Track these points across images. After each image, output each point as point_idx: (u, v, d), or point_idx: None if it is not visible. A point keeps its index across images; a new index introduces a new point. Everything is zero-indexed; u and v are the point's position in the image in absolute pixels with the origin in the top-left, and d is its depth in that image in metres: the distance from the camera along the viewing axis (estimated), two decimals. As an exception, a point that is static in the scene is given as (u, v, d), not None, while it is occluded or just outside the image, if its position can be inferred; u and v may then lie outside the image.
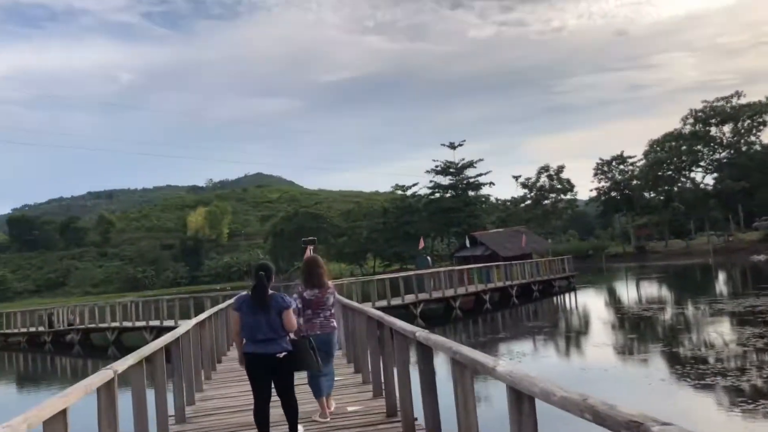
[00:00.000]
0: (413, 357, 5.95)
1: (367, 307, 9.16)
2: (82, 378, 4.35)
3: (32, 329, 34.16)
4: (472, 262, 39.26)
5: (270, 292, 5.78)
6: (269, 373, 5.67)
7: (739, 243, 68.43)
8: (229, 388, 9.38)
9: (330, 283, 7.33)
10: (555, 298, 36.58)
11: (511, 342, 21.60)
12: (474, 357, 3.58)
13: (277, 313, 5.66)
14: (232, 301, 16.84)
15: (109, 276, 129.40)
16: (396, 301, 26.92)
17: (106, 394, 4.34)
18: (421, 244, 52.87)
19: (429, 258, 76.83)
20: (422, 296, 28.25)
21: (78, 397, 3.62)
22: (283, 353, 5.66)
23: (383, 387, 7.53)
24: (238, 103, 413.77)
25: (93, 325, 31.54)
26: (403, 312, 26.50)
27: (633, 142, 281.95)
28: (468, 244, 45.82)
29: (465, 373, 3.94)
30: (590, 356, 17.78)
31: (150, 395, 5.93)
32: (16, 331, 35.08)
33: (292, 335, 5.94)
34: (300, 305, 6.96)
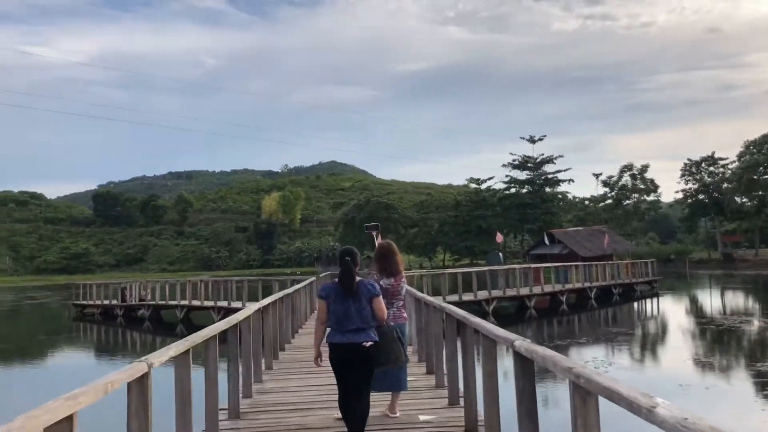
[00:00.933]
0: (501, 365, 5.03)
1: (446, 304, 8.24)
2: (150, 353, 3.75)
3: (106, 302, 34.88)
4: (549, 260, 37.61)
5: (357, 278, 5.49)
6: (354, 364, 5.39)
7: (840, 256, 63.63)
8: (291, 381, 8.66)
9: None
10: (636, 303, 34.56)
11: (589, 347, 20.20)
12: (610, 386, 2.60)
13: (368, 300, 5.42)
14: (299, 284, 16.42)
15: (185, 254, 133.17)
16: (468, 297, 25.85)
17: (138, 391, 3.60)
18: (499, 239, 51.37)
19: (501, 254, 75.26)
20: (496, 293, 27.05)
21: (92, 400, 2.85)
22: (370, 342, 5.37)
23: (461, 396, 6.61)
24: (316, 90, 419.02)
25: (163, 302, 31.85)
26: (475, 308, 25.46)
27: (722, 144, 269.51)
28: (547, 242, 43.97)
29: (589, 402, 2.97)
30: (682, 370, 16.26)
31: (198, 386, 5.23)
32: (91, 303, 35.93)
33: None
34: None
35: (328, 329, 5.62)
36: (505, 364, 9.74)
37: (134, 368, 3.48)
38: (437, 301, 8.30)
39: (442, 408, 6.74)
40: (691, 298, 38.58)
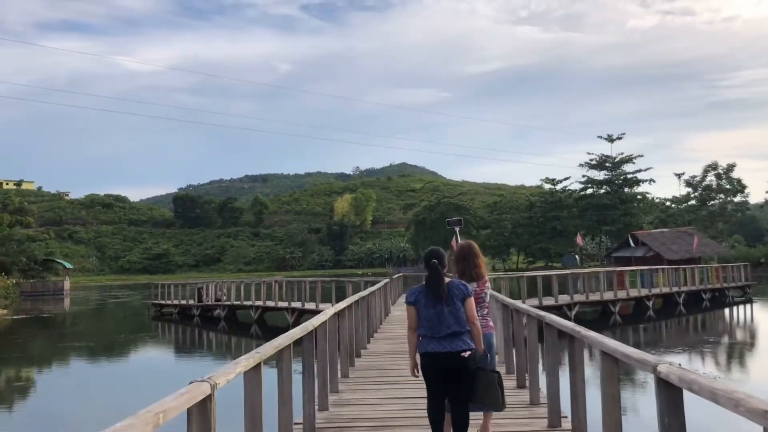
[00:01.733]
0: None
1: (546, 313, 7.44)
2: (225, 353, 3.17)
3: (183, 302, 35.39)
4: (633, 263, 35.73)
5: (446, 279, 5.08)
6: (450, 374, 4.96)
7: None
8: (369, 392, 8.04)
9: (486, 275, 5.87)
10: (728, 310, 32.39)
11: (680, 356, 18.77)
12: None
13: (461, 301, 5.01)
14: (373, 286, 15.88)
15: (260, 255, 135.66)
16: (548, 301, 24.64)
17: (200, 417, 3.03)
18: (579, 241, 49.49)
19: (577, 257, 72.85)
20: (578, 298, 25.71)
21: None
22: (468, 352, 4.94)
23: (564, 416, 5.82)
24: (387, 93, 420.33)
25: (238, 302, 31.98)
26: (555, 313, 24.19)
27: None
28: (632, 244, 41.83)
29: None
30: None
31: (268, 398, 4.65)
32: (169, 302, 36.57)
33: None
34: None
35: (421, 337, 5.10)
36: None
37: (195, 390, 2.90)
38: (531, 308, 7.50)
39: (542, 430, 5.95)
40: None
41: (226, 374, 3.35)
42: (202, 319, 32.87)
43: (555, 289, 25.10)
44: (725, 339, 23.05)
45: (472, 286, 5.59)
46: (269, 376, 4.69)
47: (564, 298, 25.34)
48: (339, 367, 8.71)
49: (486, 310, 5.80)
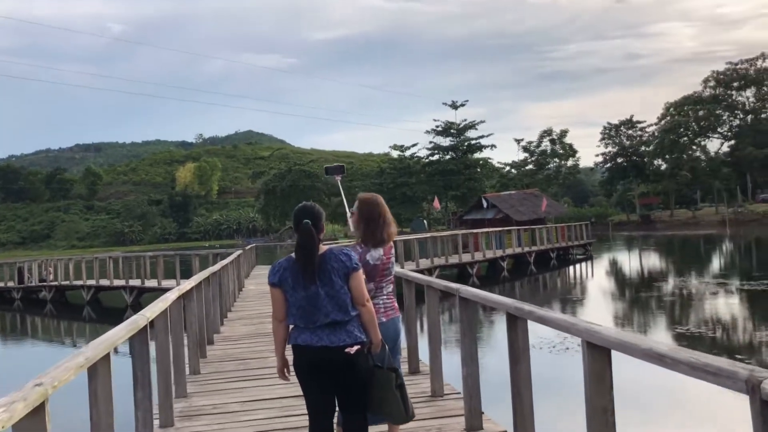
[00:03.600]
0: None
1: (429, 277, 6.17)
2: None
3: (0, 284, 30.96)
4: (486, 225, 36.21)
5: (324, 248, 3.61)
6: (333, 377, 3.56)
7: (750, 214, 65.89)
8: (227, 394, 6.35)
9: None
10: (572, 267, 33.76)
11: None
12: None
13: (343, 278, 3.54)
14: (225, 259, 14.00)
15: (95, 230, 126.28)
16: (410, 266, 23.94)
17: None
18: (436, 205, 49.94)
19: (425, 221, 74.21)
20: (438, 261, 25.25)
21: None
22: (357, 346, 3.54)
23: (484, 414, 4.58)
24: (231, 58, 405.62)
25: (67, 282, 28.35)
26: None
27: (628, 112, 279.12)
28: (485, 205, 42.41)
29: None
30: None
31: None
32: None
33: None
34: None
35: (291, 326, 3.62)
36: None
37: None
38: (435, 279, 6.18)
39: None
40: (620, 259, 38.24)
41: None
42: (24, 302, 28.87)
43: (416, 254, 24.43)
44: (570, 296, 23.69)
45: (378, 254, 4.11)
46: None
47: (425, 263, 24.76)
48: (187, 361, 6.93)
49: (392, 286, 4.35)
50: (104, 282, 26.73)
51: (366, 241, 4.16)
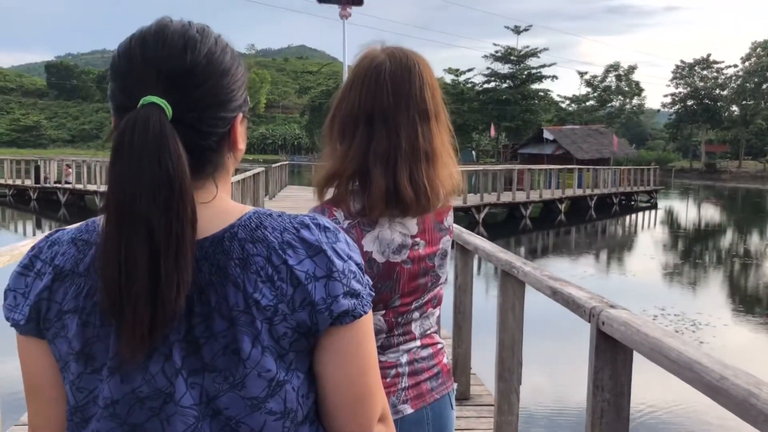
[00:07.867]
0: None
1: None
2: None
3: (18, 182, 29.42)
4: (545, 161, 33.09)
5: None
6: None
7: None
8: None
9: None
10: (636, 215, 30.67)
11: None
12: None
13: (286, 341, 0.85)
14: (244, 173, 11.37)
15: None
16: (455, 202, 21.37)
17: None
18: (492, 132, 47.04)
19: (474, 153, 70.85)
20: (488, 199, 22.48)
21: None
22: None
23: None
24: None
25: (80, 187, 26.51)
26: (462, 215, 21.12)
27: (702, 51, 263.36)
28: (546, 138, 38.82)
29: None
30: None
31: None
32: (2, 182, 30.13)
33: None
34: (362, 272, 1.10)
35: None
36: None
37: None
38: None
39: None
40: (686, 211, 34.88)
41: None
42: (40, 203, 27.31)
43: (465, 188, 21.76)
44: (631, 248, 21.06)
45: (403, 232, 1.60)
46: None
47: (474, 199, 22.02)
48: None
49: (437, 312, 1.71)
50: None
51: (355, 198, 1.58)
